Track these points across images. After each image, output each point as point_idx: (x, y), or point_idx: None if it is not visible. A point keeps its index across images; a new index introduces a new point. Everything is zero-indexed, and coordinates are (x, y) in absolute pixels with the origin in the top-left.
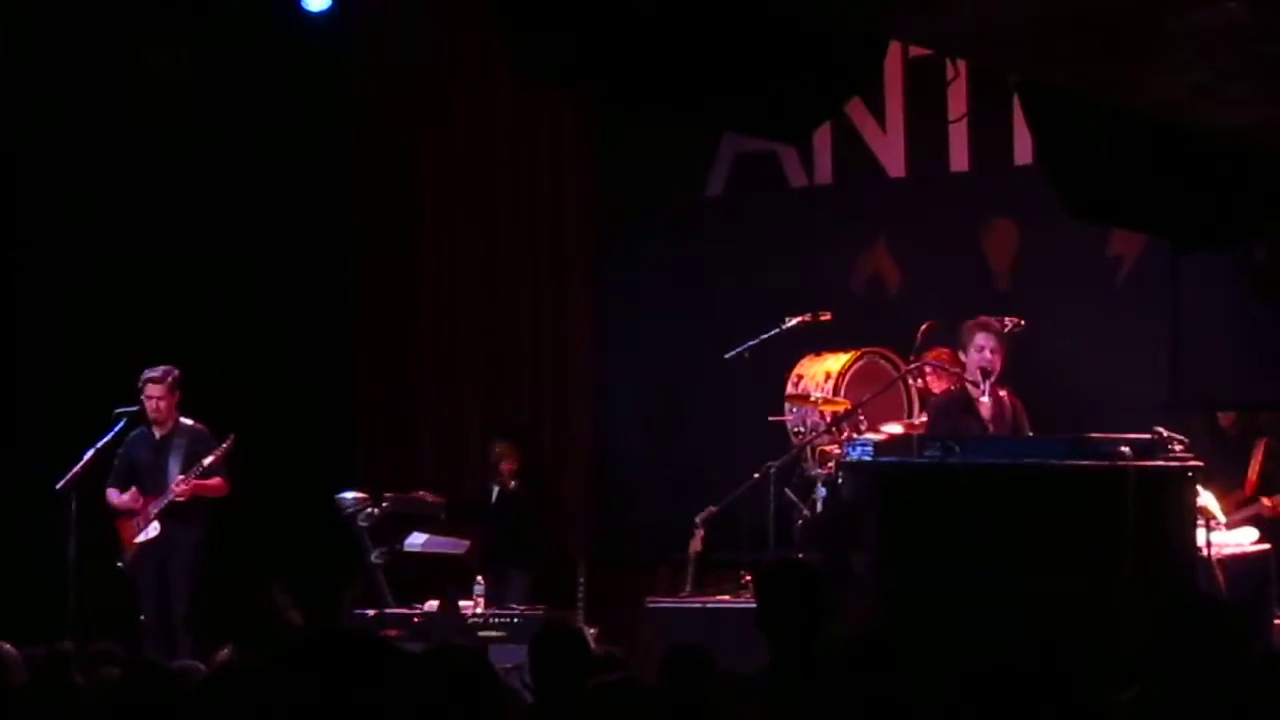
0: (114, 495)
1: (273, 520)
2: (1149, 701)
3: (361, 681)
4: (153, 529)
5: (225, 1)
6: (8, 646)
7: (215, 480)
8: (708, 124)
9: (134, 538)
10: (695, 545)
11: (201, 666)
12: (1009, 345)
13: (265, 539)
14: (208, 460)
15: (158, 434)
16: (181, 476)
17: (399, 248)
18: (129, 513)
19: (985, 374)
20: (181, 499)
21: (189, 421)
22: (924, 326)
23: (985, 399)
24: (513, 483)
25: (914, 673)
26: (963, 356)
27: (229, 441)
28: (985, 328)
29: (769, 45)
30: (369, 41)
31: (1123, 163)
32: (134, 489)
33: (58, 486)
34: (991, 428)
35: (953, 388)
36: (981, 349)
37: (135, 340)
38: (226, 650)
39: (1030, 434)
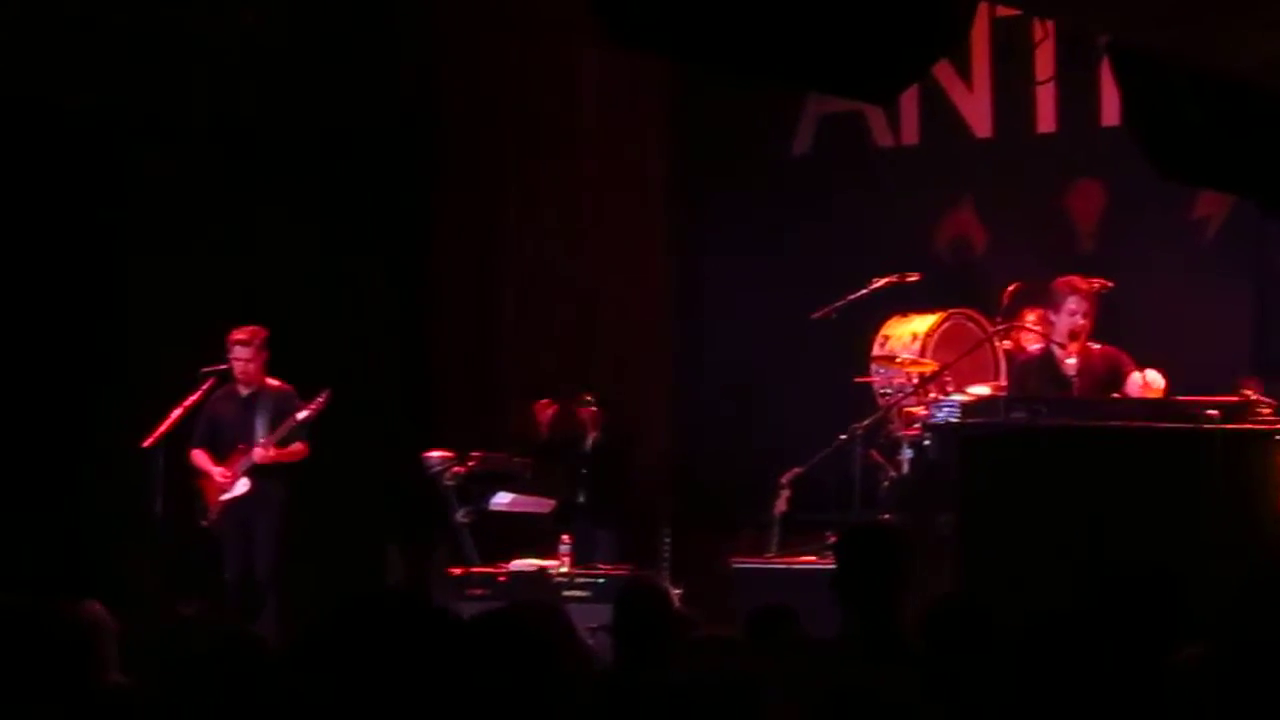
0: (199, 456)
1: (359, 480)
2: (1217, 660)
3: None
4: (240, 486)
5: None
6: (98, 605)
7: (296, 446)
8: (796, 84)
9: (219, 496)
10: (780, 506)
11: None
12: (1098, 305)
13: (352, 499)
14: (301, 415)
15: (243, 393)
16: (265, 439)
17: (483, 207)
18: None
19: (1073, 336)
20: (266, 462)
21: (275, 382)
22: (1011, 288)
23: (1071, 360)
24: (593, 433)
25: (995, 637)
26: (1051, 316)
27: (324, 396)
28: (1076, 290)
29: (858, 5)
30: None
31: (1212, 123)
32: (206, 456)
33: (144, 444)
34: (1078, 385)
35: (1036, 348)
36: (1073, 313)
37: (223, 299)
38: None
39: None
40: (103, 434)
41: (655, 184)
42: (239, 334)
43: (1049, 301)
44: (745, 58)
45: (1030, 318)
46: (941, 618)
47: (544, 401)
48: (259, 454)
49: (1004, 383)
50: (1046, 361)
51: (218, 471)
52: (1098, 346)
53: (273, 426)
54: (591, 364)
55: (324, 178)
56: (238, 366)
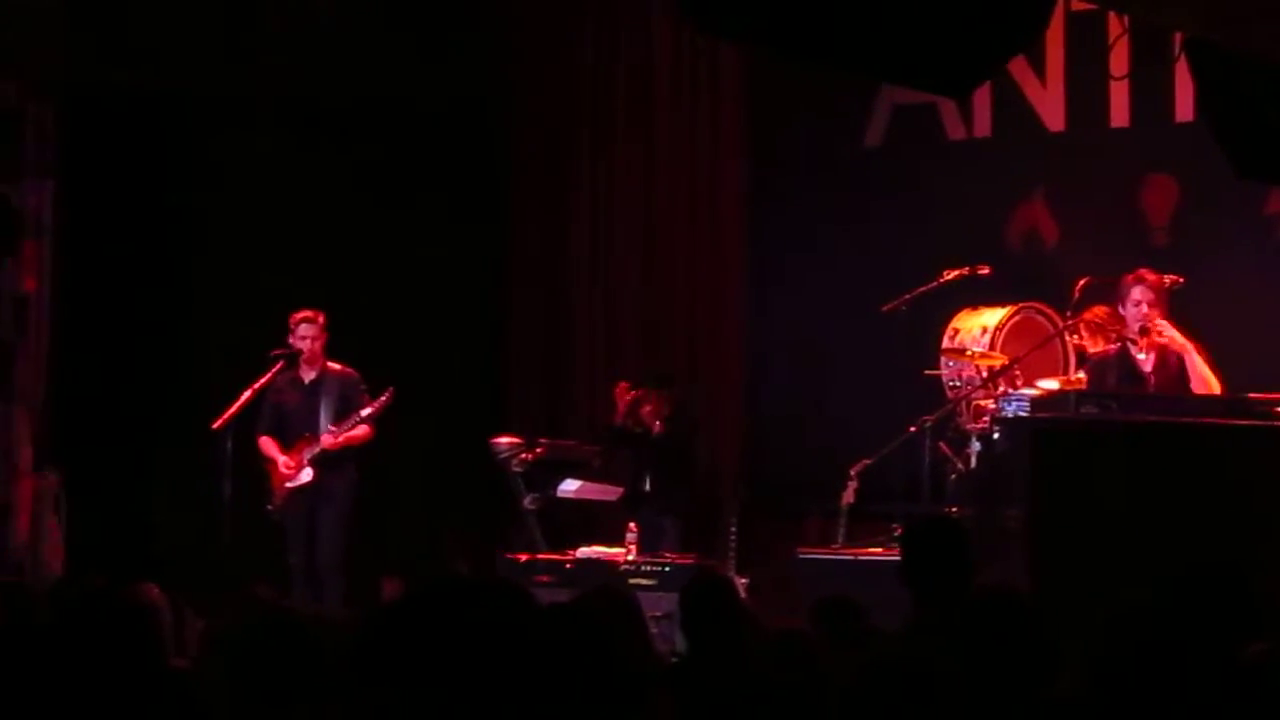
0: (265, 443)
1: (427, 465)
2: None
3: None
4: (305, 474)
5: None
6: (154, 588)
7: (362, 429)
8: (872, 75)
9: (285, 483)
10: (848, 497)
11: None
12: (1168, 300)
13: (420, 484)
14: (365, 412)
15: (306, 378)
16: (334, 428)
17: (557, 194)
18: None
19: (1143, 331)
20: (332, 450)
21: (337, 366)
22: (1082, 282)
23: (1143, 355)
24: (660, 422)
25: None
26: (1121, 311)
27: (387, 395)
28: (1141, 281)
29: None
30: None
31: None
32: (273, 444)
33: (213, 426)
34: (1153, 380)
35: (1111, 345)
36: (1139, 303)
37: (293, 282)
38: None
39: (1196, 373)
40: (172, 416)
41: (729, 173)
42: (303, 313)
43: (1118, 295)
44: (822, 47)
45: (1094, 314)
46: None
47: (623, 385)
48: (327, 441)
49: (1073, 377)
50: (1121, 358)
51: (282, 461)
52: (1167, 340)
53: (338, 413)
54: (662, 353)
55: (398, 161)
56: (303, 345)
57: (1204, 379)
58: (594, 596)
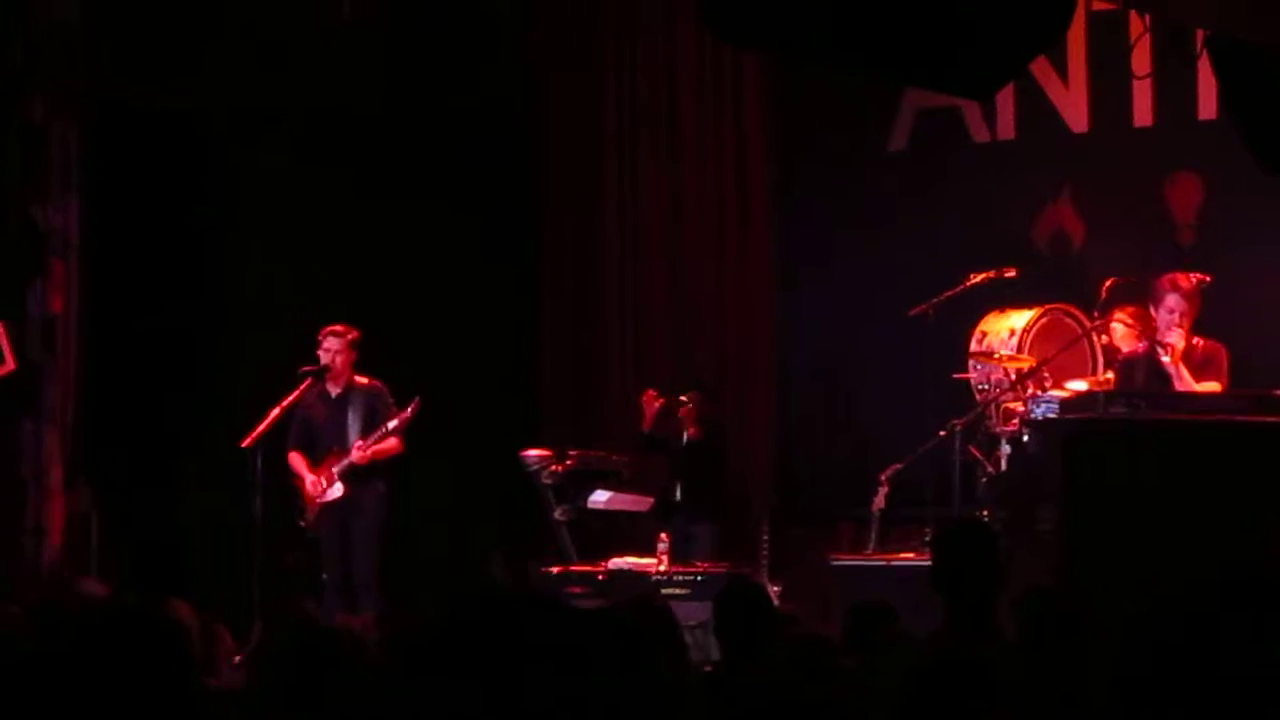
0: (295, 459)
1: (458, 478)
2: None
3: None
4: (335, 490)
5: None
6: (185, 606)
7: (391, 442)
8: (896, 80)
9: (316, 498)
10: (879, 502)
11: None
12: (1200, 302)
13: (451, 497)
14: (392, 424)
15: (334, 392)
16: (361, 441)
17: (583, 207)
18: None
19: (1172, 330)
20: (361, 463)
21: (364, 380)
22: (1108, 283)
23: (1168, 357)
24: (690, 429)
25: (1094, 632)
26: (1152, 311)
27: (413, 406)
28: (1177, 289)
29: (958, 1)
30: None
31: None
32: (302, 459)
33: (243, 444)
34: (1176, 375)
35: (1140, 345)
36: (1172, 310)
37: (322, 296)
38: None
39: (1222, 376)
40: (204, 434)
41: (755, 179)
42: (332, 328)
43: (1151, 297)
44: (845, 53)
45: (1121, 314)
46: (1030, 610)
47: (651, 393)
48: (355, 455)
49: (1102, 377)
50: (1149, 358)
51: (310, 479)
52: (1199, 341)
53: (365, 426)
54: (692, 361)
55: (426, 173)
56: (326, 358)
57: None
58: (628, 606)
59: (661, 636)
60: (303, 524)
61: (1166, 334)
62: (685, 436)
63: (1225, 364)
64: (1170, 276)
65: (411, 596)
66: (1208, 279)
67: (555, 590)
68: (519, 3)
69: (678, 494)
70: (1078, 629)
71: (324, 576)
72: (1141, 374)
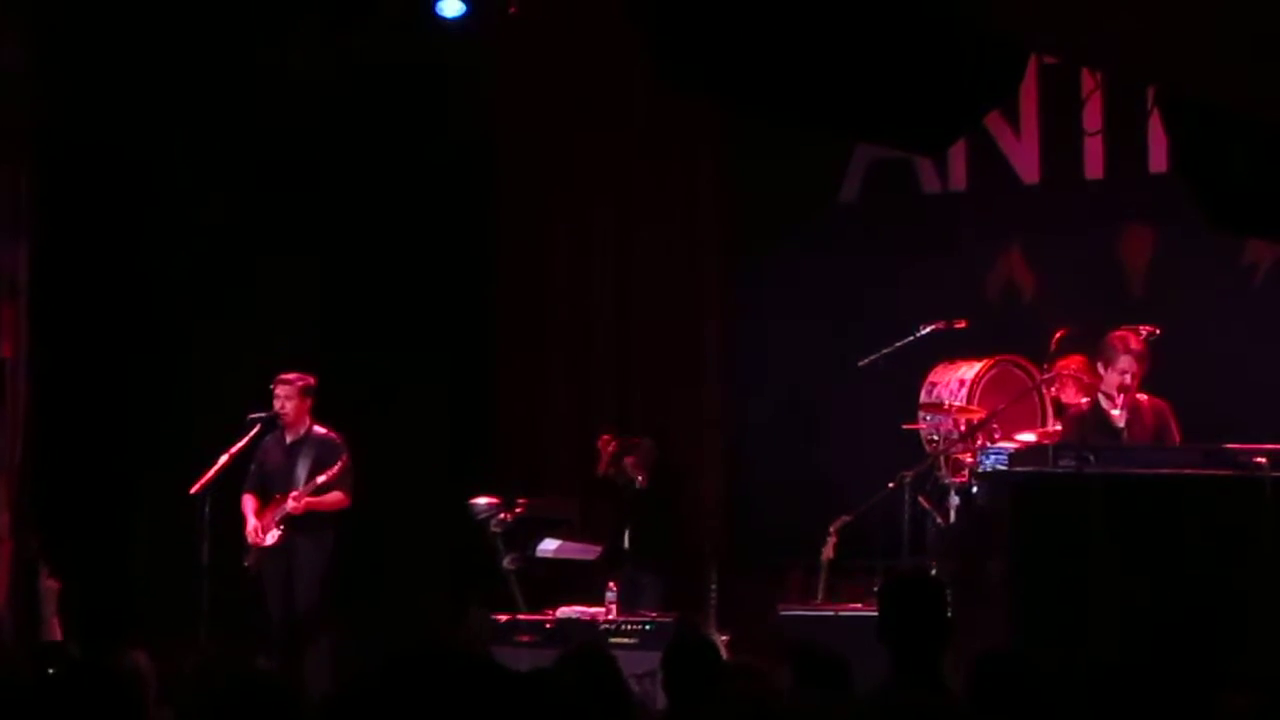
0: (246, 501)
1: (405, 526)
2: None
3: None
4: (271, 536)
5: (365, 6)
6: (143, 656)
7: (333, 495)
8: (847, 135)
9: (254, 543)
10: (828, 552)
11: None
12: (1149, 359)
13: (397, 545)
14: (320, 479)
15: (288, 439)
16: (296, 492)
17: (536, 254)
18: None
19: (1121, 390)
20: (296, 513)
21: (321, 430)
22: (1058, 334)
23: (1117, 411)
24: (640, 477)
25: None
26: (1100, 368)
27: (340, 463)
28: (1130, 350)
29: (910, 57)
30: (509, 45)
31: (1261, 173)
32: (253, 502)
33: (192, 490)
34: (1127, 436)
35: (1085, 401)
36: (1124, 372)
37: (276, 345)
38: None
39: (1177, 438)
40: (153, 480)
41: (706, 230)
42: (285, 375)
43: (1101, 354)
44: (797, 106)
45: (1070, 365)
46: (989, 670)
47: (606, 436)
48: (290, 505)
49: (1051, 429)
50: (1095, 413)
51: (251, 524)
52: (1145, 398)
53: (311, 475)
54: (643, 410)
55: (382, 219)
56: (277, 405)
57: None
58: (573, 660)
59: (606, 689)
60: (246, 564)
61: (1115, 395)
62: (639, 482)
63: (1174, 423)
64: (1121, 335)
65: (357, 646)
66: (1157, 331)
67: (503, 639)
68: (476, 56)
69: (627, 541)
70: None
71: (270, 622)
72: (1089, 430)
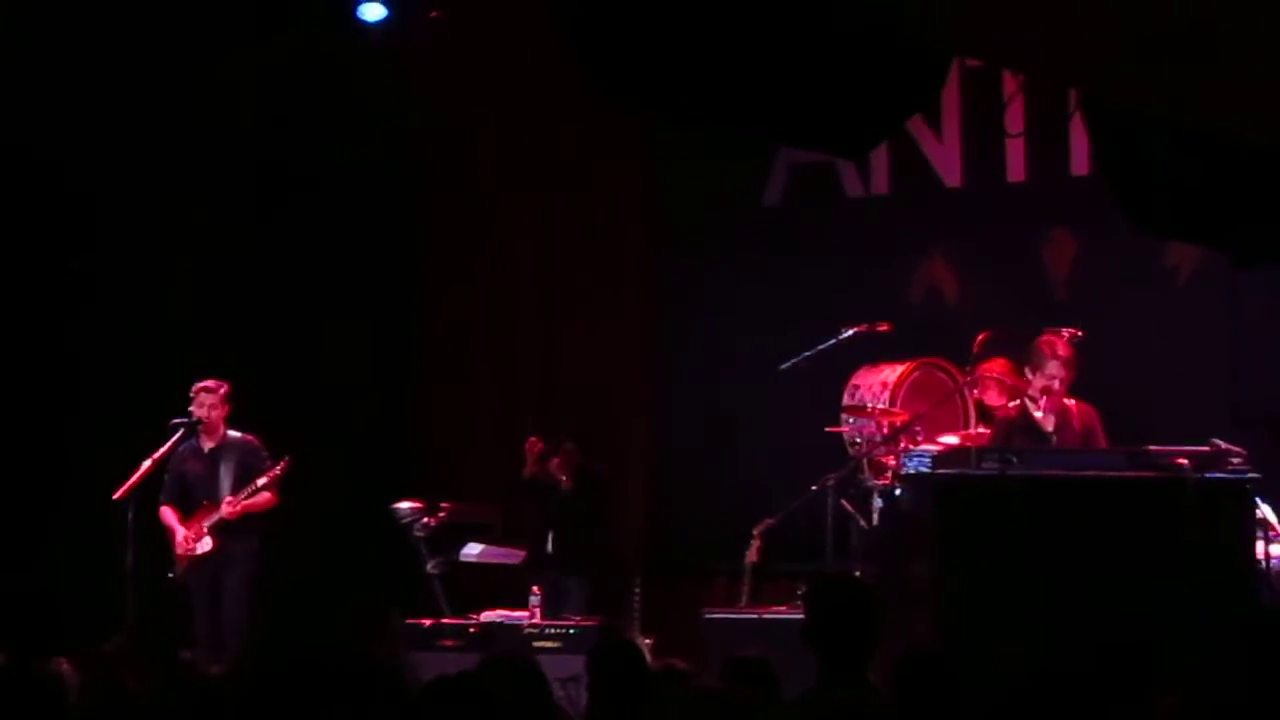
0: (168, 514)
1: (328, 530)
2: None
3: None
4: (204, 544)
5: (286, 14)
6: (65, 664)
7: (264, 496)
8: (769, 138)
9: (186, 552)
10: (752, 556)
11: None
12: (1077, 364)
13: (321, 549)
14: (261, 481)
15: (207, 446)
16: (231, 497)
17: (459, 258)
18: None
19: (1045, 392)
20: (232, 518)
21: (238, 434)
22: (981, 337)
23: (1041, 415)
24: (563, 478)
25: (970, 687)
26: (1028, 373)
27: (283, 464)
28: (1058, 356)
29: (832, 61)
30: (430, 50)
31: (1183, 176)
32: (173, 513)
33: (114, 496)
34: (1056, 440)
35: (1012, 404)
36: (1052, 378)
37: (195, 348)
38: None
39: (1104, 443)
40: (75, 487)
41: (629, 232)
42: (204, 383)
43: (1029, 358)
44: (718, 108)
45: (993, 367)
46: (910, 671)
47: (534, 439)
48: (225, 510)
49: (974, 432)
50: (1023, 417)
51: (181, 535)
52: (1073, 402)
53: (237, 481)
54: (566, 413)
55: (301, 224)
56: (200, 413)
57: None
58: (494, 664)
59: (528, 693)
60: (171, 576)
61: (1040, 398)
62: (561, 489)
63: (1100, 429)
64: (1049, 340)
65: (280, 651)
66: (1080, 333)
67: (426, 643)
68: (397, 62)
69: (549, 545)
70: (955, 690)
71: (196, 628)
72: (1017, 435)
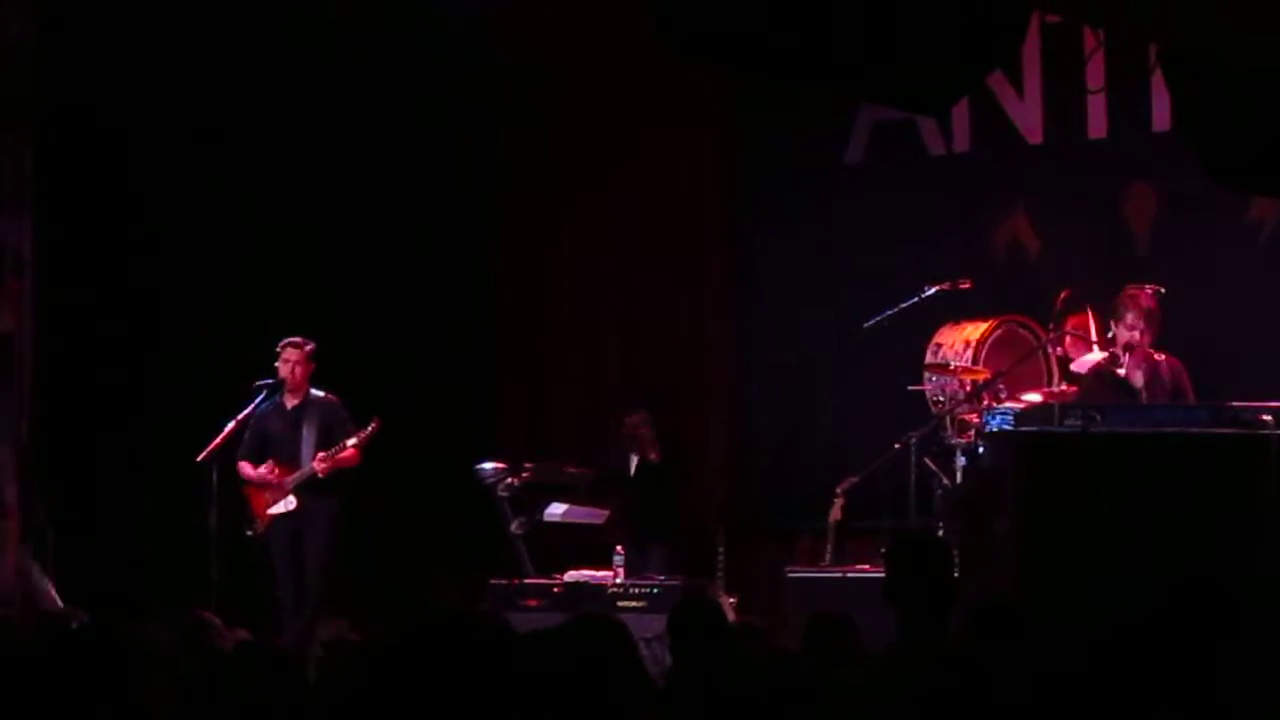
0: (246, 468)
1: (412, 491)
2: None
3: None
4: (289, 502)
5: None
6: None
7: (349, 452)
8: (851, 95)
9: (267, 509)
10: (835, 514)
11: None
12: (1159, 317)
13: (404, 510)
14: (352, 441)
15: (289, 405)
16: (322, 454)
17: (542, 222)
18: (262, 484)
19: (1128, 349)
20: (322, 475)
21: (320, 393)
22: (1062, 293)
23: (1132, 370)
24: (652, 453)
25: (1046, 640)
26: (1112, 326)
27: (373, 425)
28: (1137, 305)
29: (912, 17)
30: (511, 14)
31: (1265, 130)
32: (270, 462)
33: (198, 458)
34: (1145, 396)
35: (1103, 361)
36: (1132, 328)
37: (278, 311)
38: (337, 626)
39: (1192, 397)
40: (159, 449)
41: (711, 194)
42: (290, 340)
43: (1112, 313)
44: (800, 68)
45: (1076, 324)
46: (987, 622)
47: (641, 415)
48: (318, 466)
49: (1057, 389)
50: (1111, 374)
51: (259, 473)
52: (1163, 357)
53: (321, 440)
54: (648, 377)
55: (382, 190)
56: (285, 369)
57: None
58: (580, 623)
59: (615, 651)
60: (250, 534)
61: (1124, 354)
62: (646, 454)
63: (1189, 381)
64: (1131, 294)
65: (364, 611)
66: (1162, 289)
67: (510, 603)
68: (478, 26)
69: (634, 506)
70: (1032, 641)
71: (277, 589)
72: (1105, 388)
